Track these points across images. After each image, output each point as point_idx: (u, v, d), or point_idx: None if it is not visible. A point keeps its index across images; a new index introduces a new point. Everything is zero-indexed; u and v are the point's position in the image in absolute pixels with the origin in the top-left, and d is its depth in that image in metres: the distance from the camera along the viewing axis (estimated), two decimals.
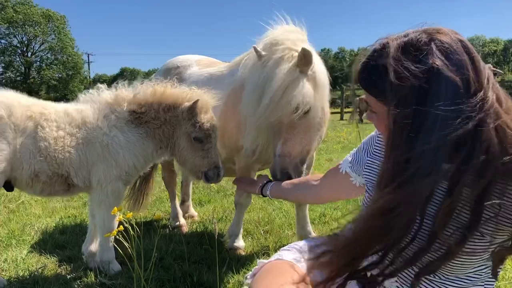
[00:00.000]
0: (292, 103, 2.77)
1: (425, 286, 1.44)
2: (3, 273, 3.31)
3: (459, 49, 1.25)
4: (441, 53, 1.24)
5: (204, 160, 3.16)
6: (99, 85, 3.35)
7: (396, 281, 1.48)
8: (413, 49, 1.26)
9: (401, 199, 1.21)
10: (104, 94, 3.26)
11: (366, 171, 1.77)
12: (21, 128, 2.91)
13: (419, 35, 1.29)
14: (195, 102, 3.07)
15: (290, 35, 3.05)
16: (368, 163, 1.78)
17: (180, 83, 4.17)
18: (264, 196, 2.59)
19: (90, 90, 3.34)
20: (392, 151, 1.27)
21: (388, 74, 1.25)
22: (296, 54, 2.87)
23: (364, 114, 14.71)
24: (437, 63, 1.21)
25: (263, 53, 3.00)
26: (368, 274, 1.39)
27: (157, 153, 3.29)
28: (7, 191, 3.08)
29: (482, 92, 1.22)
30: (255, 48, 3.03)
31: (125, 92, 3.24)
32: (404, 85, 1.23)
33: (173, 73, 4.39)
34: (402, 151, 1.24)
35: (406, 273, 1.45)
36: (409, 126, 1.23)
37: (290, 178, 2.74)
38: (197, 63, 4.45)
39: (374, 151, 1.77)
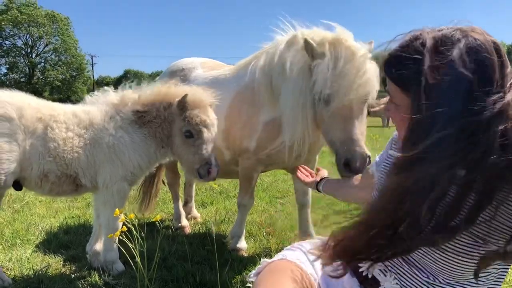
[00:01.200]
0: (368, 85, 2.81)
1: None
2: (8, 272, 3.35)
3: (490, 49, 1.26)
4: (468, 50, 1.25)
5: (195, 156, 3.16)
6: (105, 87, 3.40)
7: (397, 282, 1.49)
8: (445, 43, 1.28)
9: (410, 184, 1.23)
10: (110, 95, 3.32)
11: (382, 167, 1.80)
12: (30, 130, 2.97)
13: (453, 31, 1.30)
14: (184, 97, 3.12)
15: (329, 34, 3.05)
16: (385, 161, 1.80)
17: (185, 85, 4.23)
18: (319, 191, 2.55)
19: (96, 92, 3.39)
20: (408, 141, 1.29)
21: (418, 65, 1.27)
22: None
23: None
24: (455, 58, 1.24)
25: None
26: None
27: (160, 153, 3.34)
28: (16, 190, 3.14)
29: (502, 93, 1.24)
30: (311, 47, 2.94)
31: (130, 93, 3.30)
32: (432, 77, 1.24)
33: (178, 75, 4.43)
34: (416, 142, 1.25)
35: (406, 272, 1.47)
36: (428, 118, 1.25)
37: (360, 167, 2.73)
38: (202, 66, 4.49)
39: (393, 147, 1.80)
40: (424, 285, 1.45)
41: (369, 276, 1.56)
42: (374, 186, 1.97)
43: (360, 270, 1.57)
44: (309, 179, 2.71)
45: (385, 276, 1.51)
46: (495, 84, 1.24)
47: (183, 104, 3.13)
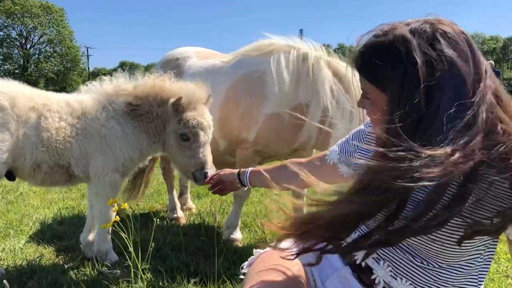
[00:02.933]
0: None
1: (418, 275, 1.45)
2: (1, 262, 3.34)
3: (461, 41, 1.26)
4: (447, 43, 1.24)
5: (191, 160, 3.05)
6: (102, 77, 3.35)
7: (407, 279, 1.48)
8: (420, 36, 1.26)
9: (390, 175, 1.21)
10: (105, 85, 3.27)
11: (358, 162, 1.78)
12: (23, 119, 2.94)
13: (422, 24, 1.28)
14: (178, 99, 3.03)
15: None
16: (360, 153, 1.79)
17: (180, 75, 4.20)
18: (243, 185, 2.33)
19: (93, 82, 3.35)
20: (389, 137, 1.26)
21: (396, 60, 1.25)
22: None
23: None
24: (449, 53, 1.22)
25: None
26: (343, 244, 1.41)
27: (152, 148, 3.28)
28: (9, 180, 3.11)
29: (482, 83, 1.23)
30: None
31: (125, 84, 3.25)
32: (412, 72, 1.22)
33: (173, 65, 4.41)
34: (400, 138, 1.23)
35: (399, 258, 1.46)
36: (413, 113, 1.23)
37: None
38: (196, 55, 4.46)
39: (366, 142, 1.78)
40: (418, 270, 1.44)
41: (363, 264, 1.56)
42: (340, 175, 1.97)
43: (354, 258, 1.56)
44: (224, 186, 2.43)
45: (379, 264, 1.51)
46: (473, 75, 1.23)
47: (177, 106, 3.05)
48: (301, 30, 37.99)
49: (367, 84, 1.37)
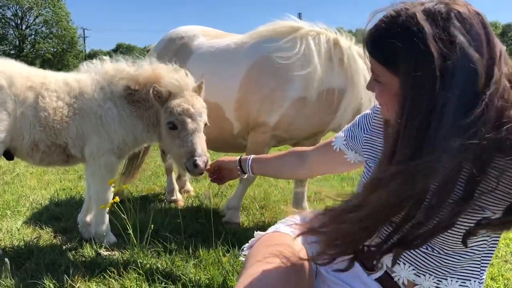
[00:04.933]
0: None
1: (422, 260, 1.44)
2: None
3: (476, 23, 1.21)
4: (461, 25, 1.19)
5: (181, 149, 2.88)
6: (103, 57, 3.28)
7: (410, 265, 1.46)
8: (434, 18, 1.21)
9: (412, 171, 1.18)
10: (106, 65, 3.21)
11: (366, 147, 1.75)
12: (21, 99, 2.89)
13: (436, 4, 1.23)
14: (154, 87, 2.91)
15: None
16: (366, 139, 1.75)
17: (187, 54, 4.14)
18: (244, 173, 2.30)
19: (94, 61, 3.27)
20: (407, 123, 1.21)
21: (409, 41, 1.19)
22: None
23: None
24: (460, 38, 1.17)
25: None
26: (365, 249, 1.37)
27: (146, 136, 3.21)
28: (7, 160, 3.09)
29: (496, 67, 1.19)
30: None
31: (126, 67, 3.18)
32: (426, 54, 1.17)
33: (178, 44, 4.33)
34: (417, 124, 1.19)
35: (418, 255, 1.44)
36: (425, 100, 1.19)
37: None
38: (203, 34, 4.37)
39: (373, 127, 1.74)
40: (422, 255, 1.43)
41: (365, 249, 1.54)
42: (345, 162, 1.94)
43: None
44: (222, 174, 2.42)
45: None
46: (487, 59, 1.18)
47: (157, 94, 2.93)
48: (299, 13, 37.67)
49: (378, 66, 1.32)
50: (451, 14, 1.20)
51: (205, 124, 3.01)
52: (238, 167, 2.27)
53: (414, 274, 1.45)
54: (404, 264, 1.46)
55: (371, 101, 3.39)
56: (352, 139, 1.85)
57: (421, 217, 1.22)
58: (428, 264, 1.42)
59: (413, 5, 1.26)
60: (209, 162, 2.72)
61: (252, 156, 2.28)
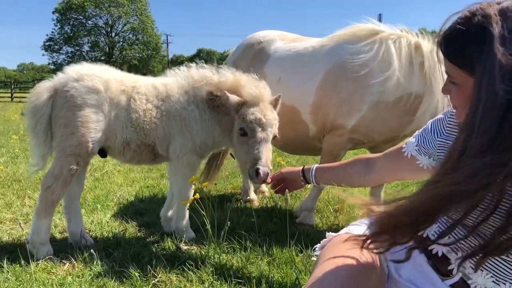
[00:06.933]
0: None
1: (502, 268, 1.37)
2: (90, 233, 3.60)
3: None
4: None
5: (247, 155, 3.00)
6: (190, 63, 3.47)
7: (488, 272, 1.42)
8: (508, 19, 1.19)
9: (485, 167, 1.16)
10: (192, 71, 3.40)
11: (440, 152, 1.72)
12: (115, 102, 3.14)
13: None
14: (225, 92, 3.09)
15: None
16: (440, 143, 1.73)
17: (264, 58, 4.24)
18: (308, 183, 2.30)
19: (181, 67, 3.48)
20: (480, 125, 1.19)
21: (484, 41, 1.19)
22: None
23: None
24: None
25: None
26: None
27: (221, 140, 3.37)
28: (101, 157, 3.36)
29: None
30: None
31: (210, 74, 3.35)
32: (504, 55, 1.15)
33: (256, 48, 4.44)
34: (491, 126, 1.17)
35: (498, 262, 1.40)
36: (500, 99, 1.16)
37: None
38: (280, 38, 4.45)
39: (447, 131, 1.71)
40: (500, 262, 1.38)
41: (439, 254, 1.52)
42: (417, 168, 1.89)
43: (430, 248, 1.52)
44: (286, 185, 2.44)
45: (457, 254, 1.46)
46: None
47: (237, 102, 3.09)
48: (379, 14, 36.71)
49: (453, 67, 1.32)
50: None
51: (275, 137, 3.10)
52: (302, 177, 2.30)
53: (493, 281, 1.41)
54: (482, 270, 1.42)
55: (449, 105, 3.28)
56: (424, 144, 1.82)
57: (502, 222, 1.20)
58: (506, 271, 1.38)
59: (489, 5, 1.24)
60: (270, 175, 2.77)
61: (316, 165, 2.30)
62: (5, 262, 2.87)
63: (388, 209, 1.36)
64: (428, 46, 3.50)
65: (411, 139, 1.91)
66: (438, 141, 1.73)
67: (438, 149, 1.73)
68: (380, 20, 3.95)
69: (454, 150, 1.28)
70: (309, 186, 2.29)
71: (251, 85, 3.15)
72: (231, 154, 4.97)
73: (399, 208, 1.32)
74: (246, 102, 3.08)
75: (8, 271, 2.80)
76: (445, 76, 1.43)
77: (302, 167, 2.31)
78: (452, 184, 1.20)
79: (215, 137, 3.34)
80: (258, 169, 2.87)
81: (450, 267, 1.48)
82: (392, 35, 3.60)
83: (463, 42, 1.25)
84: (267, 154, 2.97)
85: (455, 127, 1.63)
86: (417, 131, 1.91)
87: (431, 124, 1.81)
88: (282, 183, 2.46)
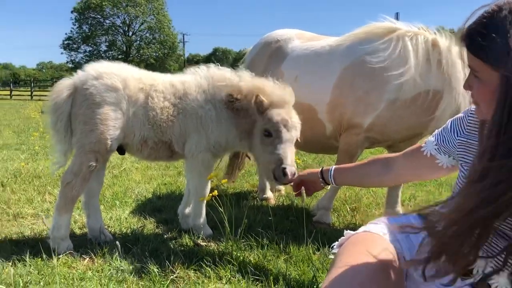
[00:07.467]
0: None
1: None
2: (109, 229, 3.65)
3: None
4: None
5: (271, 156, 2.99)
6: (210, 64, 3.49)
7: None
8: None
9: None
10: (211, 70, 3.42)
11: (461, 150, 1.71)
12: (133, 99, 3.18)
13: None
14: (257, 96, 3.07)
15: None
16: (460, 142, 1.71)
17: (282, 57, 4.26)
18: (327, 184, 2.30)
19: (200, 66, 3.50)
20: (509, 118, 1.19)
21: (508, 34, 1.19)
22: None
23: None
24: None
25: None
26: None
27: (238, 142, 3.37)
28: (120, 154, 3.41)
29: None
30: None
31: (230, 75, 3.37)
32: None
33: (273, 47, 4.45)
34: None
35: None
36: None
37: None
38: (298, 37, 4.45)
39: (467, 130, 1.70)
40: None
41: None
42: (434, 166, 1.87)
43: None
44: (306, 188, 2.42)
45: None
46: None
47: (259, 104, 3.08)
48: (397, 13, 36.33)
49: (477, 61, 1.31)
50: None
51: (296, 140, 3.11)
52: (321, 179, 2.29)
53: None
54: (503, 271, 1.41)
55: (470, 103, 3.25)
56: (444, 143, 1.81)
57: None
58: None
59: None
60: (297, 174, 2.76)
61: (334, 166, 2.30)
62: (27, 256, 2.93)
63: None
64: (445, 43, 3.46)
65: (430, 138, 1.90)
66: (458, 140, 1.72)
67: (458, 148, 1.72)
68: (397, 19, 3.91)
69: (480, 154, 1.27)
70: (328, 187, 2.27)
71: (278, 90, 3.17)
72: (246, 155, 5.00)
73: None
74: (273, 103, 3.09)
75: (30, 265, 2.86)
76: (466, 74, 1.43)
77: (321, 169, 2.31)
78: (484, 190, 1.19)
79: (229, 139, 3.35)
80: (284, 168, 2.87)
81: (470, 267, 1.47)
82: (409, 32, 3.58)
83: (489, 36, 1.24)
84: (291, 155, 2.99)
85: (476, 126, 1.62)
86: (436, 130, 1.90)
87: (451, 123, 1.79)
88: (302, 186, 2.47)
